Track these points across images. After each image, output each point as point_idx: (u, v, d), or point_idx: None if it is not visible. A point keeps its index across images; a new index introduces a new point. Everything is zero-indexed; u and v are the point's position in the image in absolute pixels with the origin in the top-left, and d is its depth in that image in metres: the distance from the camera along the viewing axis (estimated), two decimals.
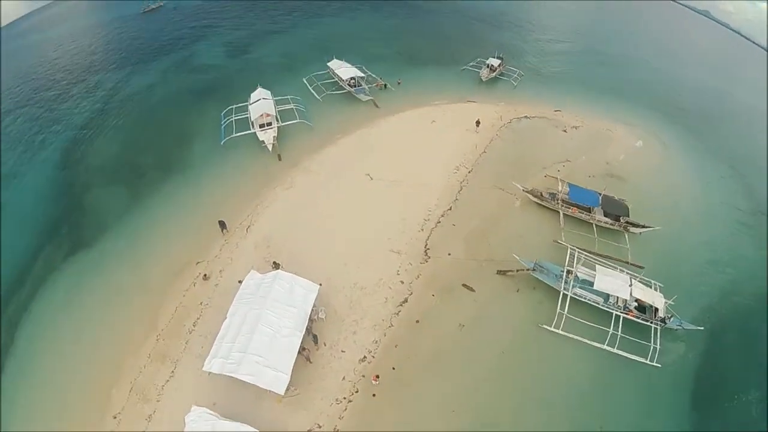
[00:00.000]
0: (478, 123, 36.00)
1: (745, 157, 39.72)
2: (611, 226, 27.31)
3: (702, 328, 22.18)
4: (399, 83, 44.20)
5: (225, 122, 35.76)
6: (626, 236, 26.83)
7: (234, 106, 37.58)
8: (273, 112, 34.83)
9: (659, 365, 20.49)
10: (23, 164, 35.17)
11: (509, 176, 31.24)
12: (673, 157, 37.51)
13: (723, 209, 32.40)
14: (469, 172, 31.96)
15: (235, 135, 33.54)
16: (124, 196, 30.56)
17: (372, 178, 30.62)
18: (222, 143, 33.45)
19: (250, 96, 38.51)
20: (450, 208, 29.15)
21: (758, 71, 70.58)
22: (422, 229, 27.56)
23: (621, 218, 27.16)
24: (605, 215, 27.45)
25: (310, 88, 42.01)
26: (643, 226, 26.80)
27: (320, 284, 21.99)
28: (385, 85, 43.19)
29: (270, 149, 32.73)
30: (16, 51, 75.56)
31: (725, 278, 26.30)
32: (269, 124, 34.41)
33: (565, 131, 38.46)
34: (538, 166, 33.50)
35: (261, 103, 35.96)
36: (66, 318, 22.67)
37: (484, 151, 34.19)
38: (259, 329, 18.93)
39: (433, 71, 48.89)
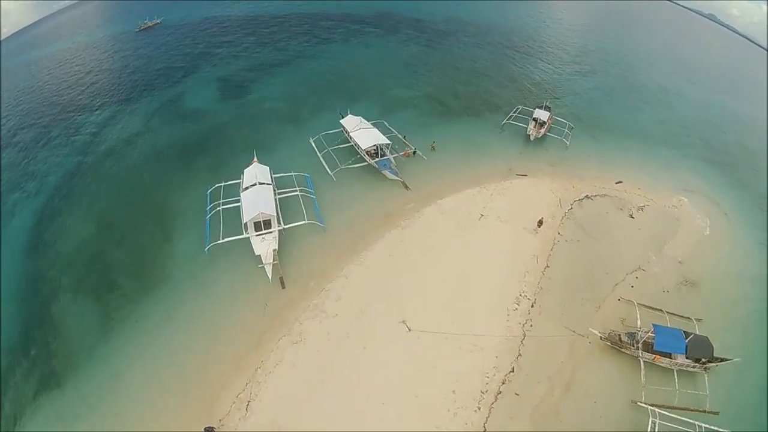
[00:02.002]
0: (540, 223, 25.84)
1: None
2: (692, 369, 20.90)
3: None
4: (433, 148, 33.23)
5: (210, 212, 25.76)
6: (706, 378, 20.13)
7: (223, 184, 27.69)
8: (272, 211, 24.47)
9: None
10: None
11: (578, 304, 23.03)
12: (740, 236, 29.52)
13: None
14: (532, 305, 22.06)
15: (222, 240, 23.56)
16: (95, 318, 22.49)
17: (409, 329, 20.59)
18: (206, 250, 23.68)
19: (243, 173, 28.08)
20: (512, 370, 19.60)
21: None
22: (479, 408, 18.22)
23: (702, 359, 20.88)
24: (687, 357, 20.92)
25: (320, 156, 31.31)
26: (722, 360, 20.83)
27: None
28: (415, 152, 32.08)
29: (269, 274, 22.44)
30: (11, 70, 67.40)
31: None
32: (267, 223, 24.35)
33: (631, 216, 29.26)
34: (610, 281, 24.44)
35: (256, 191, 25.53)
36: None
37: (547, 266, 24.21)
38: None
39: (469, 125, 38.03)
